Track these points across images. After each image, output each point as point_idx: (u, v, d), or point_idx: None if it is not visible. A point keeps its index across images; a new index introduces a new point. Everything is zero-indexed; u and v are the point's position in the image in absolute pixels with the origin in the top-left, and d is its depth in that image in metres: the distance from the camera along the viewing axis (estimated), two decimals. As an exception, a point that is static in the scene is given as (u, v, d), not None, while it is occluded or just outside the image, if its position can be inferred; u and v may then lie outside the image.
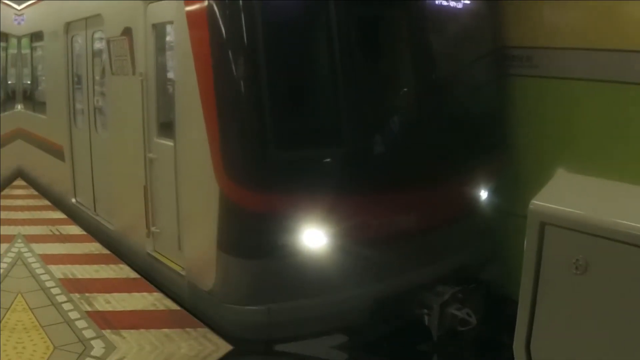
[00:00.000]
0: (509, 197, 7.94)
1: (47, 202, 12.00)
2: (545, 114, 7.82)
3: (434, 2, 7.15)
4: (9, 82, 14.49)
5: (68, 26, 10.42)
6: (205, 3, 6.05)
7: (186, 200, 6.74)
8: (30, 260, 8.48)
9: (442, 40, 7.37)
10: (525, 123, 7.99)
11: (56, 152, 11.24)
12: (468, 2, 7.56)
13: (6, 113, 13.71)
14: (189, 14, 6.29)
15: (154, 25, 7.34)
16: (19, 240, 9.34)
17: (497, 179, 7.84)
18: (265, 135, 5.99)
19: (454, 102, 7.48)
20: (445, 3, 7.28)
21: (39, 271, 8.02)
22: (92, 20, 9.31)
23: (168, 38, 7.38)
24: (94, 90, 9.61)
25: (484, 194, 7.70)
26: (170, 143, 7.03)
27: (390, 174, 6.63)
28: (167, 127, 7.31)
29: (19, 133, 14.06)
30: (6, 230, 9.90)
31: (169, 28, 7.29)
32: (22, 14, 13.66)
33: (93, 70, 9.60)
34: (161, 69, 7.50)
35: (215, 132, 6.01)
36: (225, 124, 5.98)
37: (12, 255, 8.65)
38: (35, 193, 12.87)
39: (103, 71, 9.12)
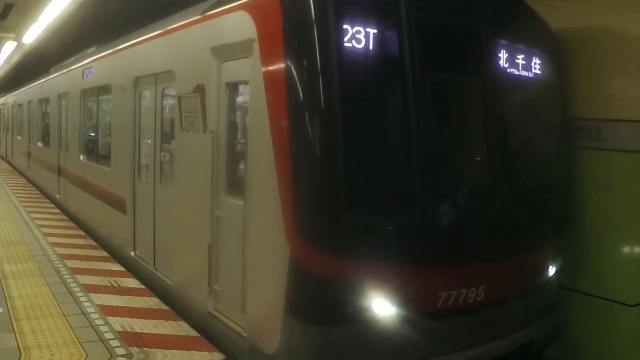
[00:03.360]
0: (573, 274, 7.74)
1: (105, 254, 12.04)
2: (613, 189, 7.63)
3: (508, 71, 7.11)
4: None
5: (137, 81, 10.61)
6: (283, 65, 6.07)
7: (253, 260, 6.66)
8: (90, 310, 8.49)
9: (514, 109, 7.30)
10: (593, 197, 7.79)
11: (117, 204, 11.34)
12: (539, 71, 7.48)
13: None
14: (266, 75, 6.30)
15: (228, 84, 7.40)
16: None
17: (564, 253, 7.64)
18: (339, 198, 5.90)
19: (525, 173, 7.40)
20: (517, 72, 7.23)
21: (98, 322, 8.00)
22: (162, 76, 9.47)
23: (241, 97, 7.42)
24: (160, 145, 9.70)
25: (551, 269, 7.48)
26: (239, 202, 7.00)
27: (462, 244, 6.52)
28: (236, 186, 7.30)
29: None
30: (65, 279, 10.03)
31: (242, 87, 7.35)
32: (90, 67, 13.95)
33: (161, 126, 9.70)
34: (232, 127, 7.53)
35: (288, 194, 5.95)
36: (298, 185, 5.91)
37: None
38: (94, 243, 12.95)
39: (171, 127, 9.22)
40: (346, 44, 5.90)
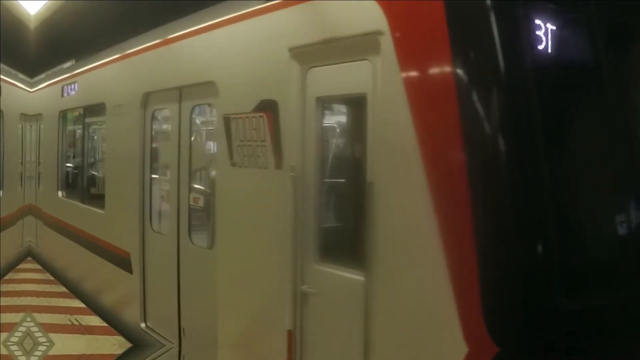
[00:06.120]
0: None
1: (64, 289, 11.44)
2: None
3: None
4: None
5: (147, 98, 8.31)
6: (449, 68, 4.00)
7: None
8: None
9: None
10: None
11: (118, 260, 8.99)
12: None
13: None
14: (412, 84, 4.21)
15: (320, 99, 5.16)
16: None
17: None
18: (557, 272, 3.95)
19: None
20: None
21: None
22: (192, 90, 7.22)
23: (341, 117, 5.19)
24: (189, 184, 7.39)
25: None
26: (351, 275, 4.77)
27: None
28: (339, 250, 5.16)
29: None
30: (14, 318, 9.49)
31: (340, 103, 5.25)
32: (73, 82, 11.88)
33: (190, 158, 7.38)
34: (328, 162, 5.40)
35: (467, 266, 3.85)
36: (489, 254, 3.84)
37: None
38: (51, 278, 12.39)
39: (209, 160, 7.10)
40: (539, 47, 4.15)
